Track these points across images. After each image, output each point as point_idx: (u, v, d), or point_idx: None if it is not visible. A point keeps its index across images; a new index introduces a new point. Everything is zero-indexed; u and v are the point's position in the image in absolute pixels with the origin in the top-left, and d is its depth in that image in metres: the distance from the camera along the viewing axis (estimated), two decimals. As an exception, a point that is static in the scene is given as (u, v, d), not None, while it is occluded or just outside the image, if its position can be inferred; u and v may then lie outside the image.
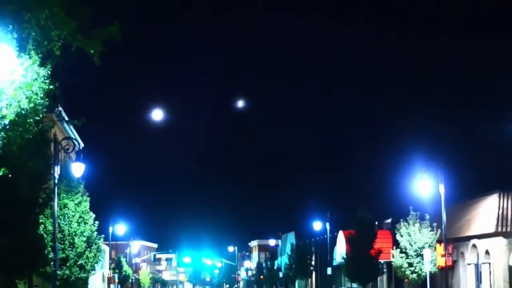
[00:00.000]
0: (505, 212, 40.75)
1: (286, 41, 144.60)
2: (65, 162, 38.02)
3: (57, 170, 28.37)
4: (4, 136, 13.70)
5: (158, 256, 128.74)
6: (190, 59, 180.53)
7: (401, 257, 44.26)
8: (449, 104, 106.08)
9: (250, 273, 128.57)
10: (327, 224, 62.57)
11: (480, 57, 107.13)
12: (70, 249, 35.60)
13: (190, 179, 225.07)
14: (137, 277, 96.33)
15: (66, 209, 35.88)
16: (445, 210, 35.31)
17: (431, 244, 42.97)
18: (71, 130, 48.75)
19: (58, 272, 31.61)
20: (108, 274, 65.34)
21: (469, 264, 43.70)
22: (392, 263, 46.36)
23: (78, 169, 29.09)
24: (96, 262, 38.18)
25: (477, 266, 42.89)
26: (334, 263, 62.94)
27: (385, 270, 52.66)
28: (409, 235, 44.18)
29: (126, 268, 76.15)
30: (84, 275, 36.54)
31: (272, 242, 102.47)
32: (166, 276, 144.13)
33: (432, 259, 40.98)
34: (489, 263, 40.88)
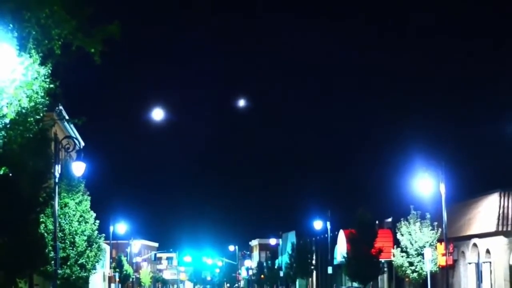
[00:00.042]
0: (505, 211, 40.74)
1: (286, 41, 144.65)
2: (66, 161, 38.00)
3: (57, 169, 28.37)
4: (5, 135, 13.72)
5: (158, 255, 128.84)
6: (190, 59, 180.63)
7: (402, 256, 44.26)
8: (449, 104, 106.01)
9: (250, 272, 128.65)
10: (328, 223, 62.63)
11: (480, 57, 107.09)
12: (71, 248, 35.61)
13: (190, 179, 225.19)
14: (138, 276, 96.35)
15: (66, 208, 35.89)
16: (446, 209, 35.33)
17: (432, 243, 42.98)
18: (72, 129, 48.75)
19: (59, 271, 31.60)
20: (109, 273, 65.37)
21: (469, 263, 43.70)
22: (393, 262, 46.36)
23: (78, 168, 29.09)
24: (97, 261, 38.20)
25: (477, 265, 42.89)
26: (335, 262, 62.93)
27: (385, 269, 52.68)
28: (410, 234, 44.18)
29: (126, 267, 76.17)
30: (85, 274, 36.56)
31: (272, 241, 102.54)
32: (167, 275, 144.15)
33: (433, 258, 41.00)
34: (490, 262, 40.88)
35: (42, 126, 16.85)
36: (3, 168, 14.89)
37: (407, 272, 44.15)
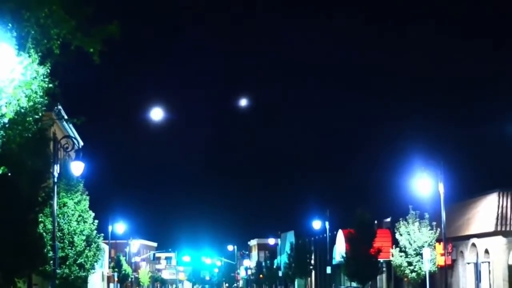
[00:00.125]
0: (504, 211, 40.76)
1: (286, 41, 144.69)
2: (65, 161, 38.00)
3: (56, 169, 28.38)
4: (4, 134, 13.70)
5: (157, 255, 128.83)
6: (190, 59, 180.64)
7: (401, 256, 44.26)
8: (449, 104, 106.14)
9: (249, 272, 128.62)
10: (327, 223, 62.66)
11: (480, 57, 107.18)
12: (70, 248, 35.59)
13: (190, 179, 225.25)
14: (137, 276, 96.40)
15: (65, 207, 35.88)
16: (445, 209, 35.33)
17: (431, 243, 42.98)
18: (71, 129, 48.73)
19: (58, 271, 31.64)
20: (108, 273, 65.36)
21: (468, 263, 43.71)
22: (392, 262, 46.36)
23: (77, 167, 29.07)
24: (96, 261, 38.18)
25: (476, 265, 42.90)
26: (334, 262, 62.95)
27: (384, 269, 52.68)
28: (409, 234, 44.18)
29: (125, 267, 76.19)
30: (84, 274, 36.54)
31: (271, 241, 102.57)
32: (166, 275, 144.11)
33: (432, 258, 40.99)
34: (489, 262, 40.89)
35: (41, 126, 16.82)
36: (2, 168, 14.88)
37: (405, 272, 44.15)
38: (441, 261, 39.35)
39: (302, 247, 75.94)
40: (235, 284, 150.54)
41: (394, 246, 46.28)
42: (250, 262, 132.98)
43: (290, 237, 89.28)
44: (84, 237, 36.22)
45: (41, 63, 14.23)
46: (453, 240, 42.38)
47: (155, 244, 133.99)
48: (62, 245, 34.48)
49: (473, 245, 42.77)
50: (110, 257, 71.62)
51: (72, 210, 36.06)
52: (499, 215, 40.58)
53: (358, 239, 47.68)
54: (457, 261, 44.49)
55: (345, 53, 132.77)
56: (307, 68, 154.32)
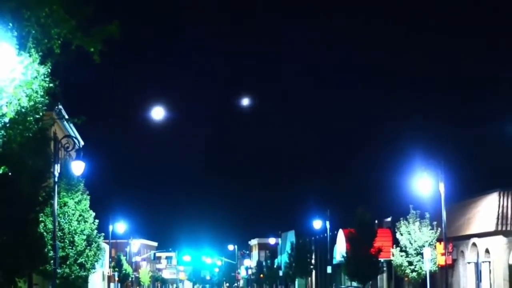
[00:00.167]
0: (505, 211, 40.76)
1: (286, 41, 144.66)
2: (65, 160, 37.99)
3: (57, 168, 28.38)
4: (4, 134, 13.70)
5: (158, 254, 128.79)
6: (190, 59, 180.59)
7: (401, 256, 44.27)
8: (449, 104, 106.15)
9: (250, 271, 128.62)
10: (327, 223, 62.64)
11: (480, 57, 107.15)
12: (70, 247, 35.61)
13: (190, 178, 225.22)
14: (137, 275, 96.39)
15: (66, 207, 35.89)
16: (445, 209, 35.33)
17: (431, 243, 42.98)
18: (71, 128, 48.73)
19: (58, 271, 31.62)
20: (108, 273, 65.38)
21: (469, 263, 43.71)
22: (392, 261, 46.37)
23: (78, 167, 29.07)
24: (96, 261, 38.19)
25: (477, 264, 42.90)
26: (334, 262, 62.96)
27: (385, 268, 52.69)
28: (409, 234, 44.19)
29: (126, 266, 76.18)
30: (84, 273, 36.56)
31: (272, 240, 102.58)
32: (166, 274, 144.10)
33: (432, 258, 40.98)
34: (489, 262, 40.89)
35: (41, 125, 16.83)
36: (2, 167, 14.88)
37: (406, 271, 44.16)
38: (441, 260, 39.33)
39: (303, 247, 75.93)
40: (236, 284, 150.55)
41: (394, 245, 46.28)
42: (251, 262, 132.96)
43: (291, 236, 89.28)
44: (84, 237, 36.24)
45: (42, 62, 14.23)
46: (454, 240, 42.37)
47: (155, 244, 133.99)
48: (62, 244, 34.48)
49: (474, 244, 42.77)
50: (110, 256, 71.65)
51: (72, 210, 36.08)
52: (500, 214, 40.58)
53: (359, 239, 47.68)
54: (457, 260, 44.48)
55: (345, 53, 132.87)
56: (307, 68, 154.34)
